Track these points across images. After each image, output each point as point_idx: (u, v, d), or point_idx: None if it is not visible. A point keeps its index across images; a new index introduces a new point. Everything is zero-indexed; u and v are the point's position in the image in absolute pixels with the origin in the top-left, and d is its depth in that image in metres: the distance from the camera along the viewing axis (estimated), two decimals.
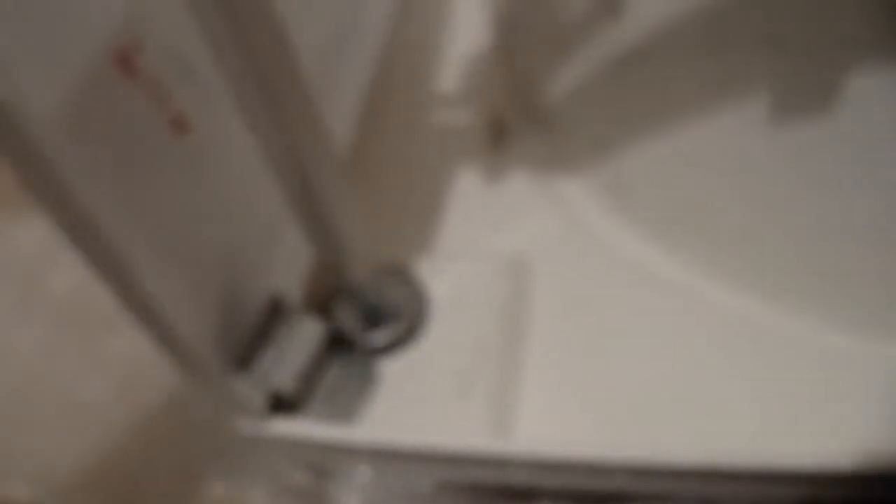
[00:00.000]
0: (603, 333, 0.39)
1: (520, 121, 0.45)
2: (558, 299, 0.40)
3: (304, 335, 0.36)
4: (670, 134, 0.40)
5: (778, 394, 0.36)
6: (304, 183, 0.32)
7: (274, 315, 0.36)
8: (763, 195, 0.39)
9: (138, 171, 0.27)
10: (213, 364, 0.33)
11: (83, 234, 0.25)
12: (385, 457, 0.37)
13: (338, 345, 0.39)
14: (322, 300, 0.40)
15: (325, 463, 0.39)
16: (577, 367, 0.38)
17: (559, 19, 0.43)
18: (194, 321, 0.31)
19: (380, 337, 0.39)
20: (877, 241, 0.37)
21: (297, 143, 0.30)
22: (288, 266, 0.39)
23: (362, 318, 0.40)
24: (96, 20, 0.24)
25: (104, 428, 0.45)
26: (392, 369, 0.39)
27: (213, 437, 0.38)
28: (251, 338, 0.35)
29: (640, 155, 0.41)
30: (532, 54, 0.45)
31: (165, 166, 0.28)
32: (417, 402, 0.38)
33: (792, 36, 0.37)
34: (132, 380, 0.37)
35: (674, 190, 0.41)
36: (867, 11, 0.36)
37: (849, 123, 0.36)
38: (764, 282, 0.39)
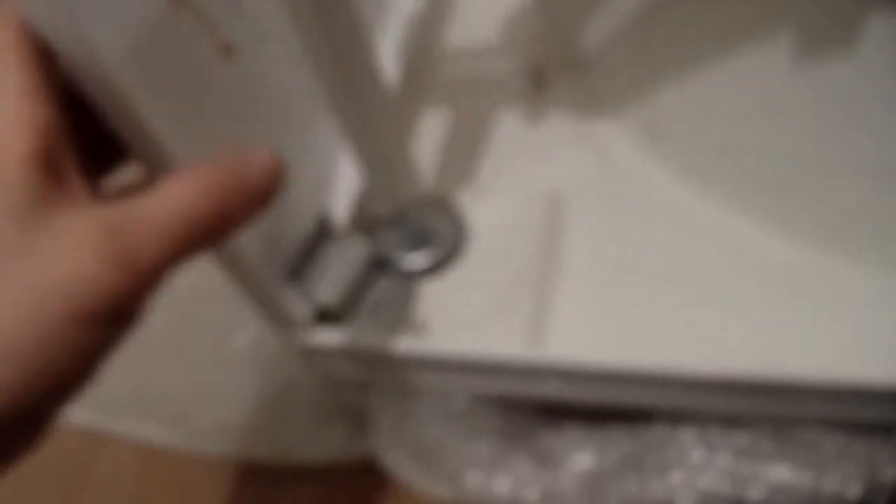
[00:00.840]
0: (632, 263, 0.41)
1: (559, 67, 0.47)
2: (592, 231, 0.42)
3: (350, 254, 0.39)
4: (699, 76, 0.42)
5: (793, 319, 0.37)
6: (357, 112, 0.34)
7: (322, 234, 0.39)
8: (786, 135, 0.40)
9: (194, 91, 0.29)
10: (265, 276, 0.35)
11: (149, 153, 0.26)
12: (422, 367, 0.39)
13: (381, 266, 0.41)
14: (368, 224, 0.42)
15: (364, 377, 0.41)
16: (607, 292, 0.40)
17: None
18: (247, 236, 0.32)
19: (420, 259, 0.42)
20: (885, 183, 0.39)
21: (350, 73, 0.32)
22: (337, 188, 0.41)
23: (405, 241, 0.42)
24: None
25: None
26: (431, 290, 0.41)
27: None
28: (301, 254, 0.38)
29: (672, 97, 0.43)
30: (568, 3, 0.47)
31: (217, 88, 0.30)
32: (453, 319, 0.40)
33: None
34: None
35: (702, 130, 0.43)
36: None
37: (869, 63, 0.38)
38: (785, 219, 0.40)
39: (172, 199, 0.23)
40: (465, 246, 0.42)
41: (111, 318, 0.22)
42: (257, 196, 0.25)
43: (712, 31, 0.41)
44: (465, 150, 0.45)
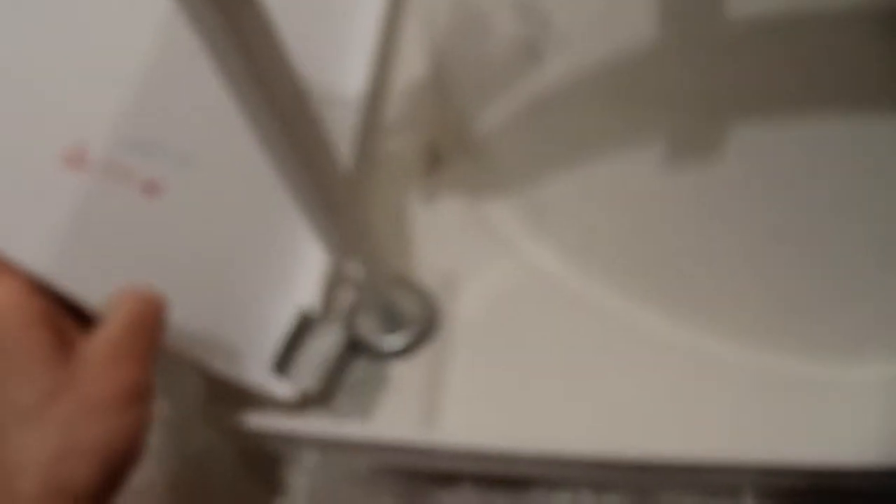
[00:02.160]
0: (521, 345, 0.45)
1: (452, 149, 0.51)
2: (485, 315, 0.46)
3: (329, 342, 0.43)
4: (582, 169, 0.47)
5: (667, 399, 0.42)
6: (322, 198, 0.36)
7: (303, 325, 0.43)
8: (656, 226, 0.46)
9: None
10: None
11: None
12: (329, 445, 0.44)
13: (357, 347, 0.45)
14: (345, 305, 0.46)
15: (278, 449, 0.45)
16: (498, 375, 0.44)
17: (486, 59, 0.49)
18: None
19: (391, 341, 0.45)
20: (753, 270, 0.44)
21: (312, 163, 0.34)
22: (312, 280, 0.45)
23: (380, 324, 0.45)
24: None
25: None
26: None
27: None
28: (286, 347, 0.42)
29: (557, 185, 0.47)
30: (463, 90, 0.51)
31: (151, 223, 0.35)
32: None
33: (682, 94, 0.44)
34: None
35: (584, 217, 0.47)
36: (748, 73, 0.43)
37: (729, 170, 0.43)
38: (663, 298, 0.45)
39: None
40: (437, 327, 0.46)
41: None
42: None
43: (590, 132, 0.46)
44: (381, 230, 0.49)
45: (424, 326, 0.45)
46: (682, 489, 0.43)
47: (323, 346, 0.43)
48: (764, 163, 0.43)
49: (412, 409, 0.43)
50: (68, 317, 0.34)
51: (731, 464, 0.40)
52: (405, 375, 0.44)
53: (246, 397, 0.42)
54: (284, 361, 0.42)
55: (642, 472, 0.41)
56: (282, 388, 0.42)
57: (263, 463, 0.47)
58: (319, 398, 0.43)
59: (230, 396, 0.42)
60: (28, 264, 0.33)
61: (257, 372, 0.41)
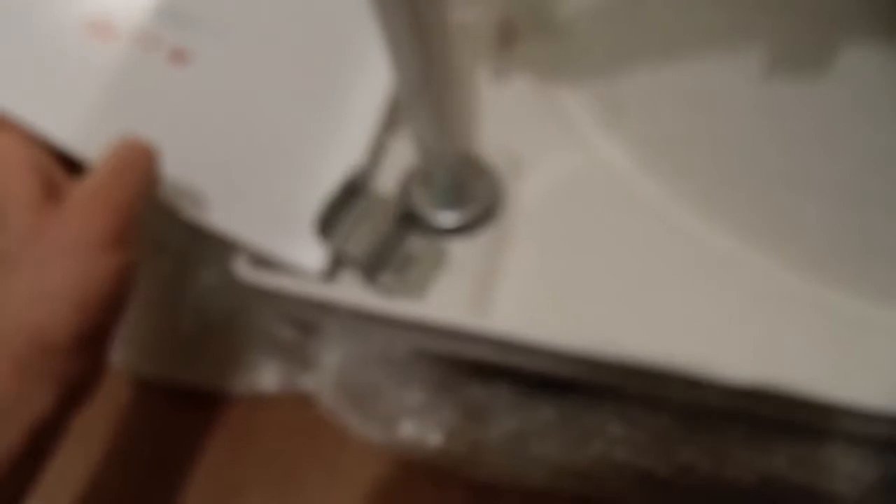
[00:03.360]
0: (581, 240, 0.42)
1: (530, 26, 0.47)
2: (545, 204, 0.43)
3: (378, 211, 0.40)
4: (669, 67, 0.43)
5: (729, 321, 0.40)
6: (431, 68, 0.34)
7: (353, 190, 0.40)
8: (739, 141, 0.43)
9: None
10: None
11: None
12: (366, 319, 0.41)
13: (412, 223, 0.42)
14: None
15: (309, 319, 0.42)
16: (555, 265, 0.42)
17: None
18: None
19: (450, 218, 0.42)
20: (842, 203, 0.42)
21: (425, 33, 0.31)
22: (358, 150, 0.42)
23: (436, 198, 0.42)
24: None
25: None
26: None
27: None
28: (332, 209, 0.39)
29: (639, 80, 0.44)
30: None
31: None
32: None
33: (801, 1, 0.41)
34: None
35: (663, 119, 0.44)
36: None
37: (830, 90, 0.40)
38: (728, 215, 0.43)
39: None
40: (500, 209, 0.42)
41: None
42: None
43: (693, 24, 0.42)
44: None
45: (487, 206, 0.42)
46: (732, 421, 0.41)
47: (375, 213, 0.40)
48: (873, 88, 0.40)
49: (464, 291, 0.40)
50: (61, 168, 0.34)
51: (804, 397, 0.37)
52: (460, 255, 0.41)
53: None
54: (328, 225, 0.39)
55: (697, 390, 0.39)
56: (313, 259, 0.39)
57: (287, 338, 0.44)
58: (368, 269, 0.39)
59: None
60: (45, 130, 0.35)
61: (290, 243, 0.39)
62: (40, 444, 0.30)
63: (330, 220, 0.39)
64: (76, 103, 0.37)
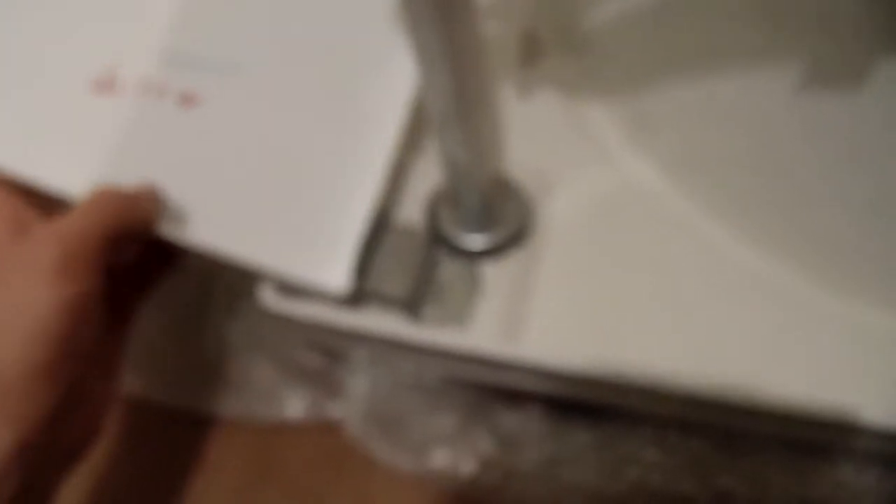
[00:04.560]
0: (610, 261, 0.41)
1: (554, 40, 0.46)
2: (576, 221, 0.42)
3: (408, 242, 0.40)
4: (701, 82, 0.42)
5: (763, 342, 0.39)
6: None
7: (381, 227, 0.40)
8: (774, 159, 0.41)
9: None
10: None
11: None
12: (394, 347, 0.40)
13: (440, 247, 0.41)
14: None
15: (336, 347, 0.41)
16: (587, 288, 0.40)
17: None
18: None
19: (479, 240, 0.41)
20: (871, 220, 0.41)
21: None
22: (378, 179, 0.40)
23: (464, 221, 0.41)
24: None
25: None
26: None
27: None
28: (364, 250, 0.39)
29: (668, 95, 0.43)
30: None
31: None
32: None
33: (839, 16, 0.39)
34: None
35: (693, 135, 0.43)
36: None
37: (865, 107, 0.39)
38: (764, 235, 0.41)
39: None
40: (530, 230, 0.41)
41: None
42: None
43: (724, 40, 0.41)
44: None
45: (518, 228, 0.41)
46: (771, 446, 0.40)
47: (404, 246, 0.39)
48: None
49: (495, 316, 0.39)
50: (32, 208, 0.33)
51: (834, 419, 0.37)
52: (491, 279, 0.40)
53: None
54: (364, 265, 0.38)
55: (734, 415, 0.38)
56: (337, 279, 0.38)
57: (313, 365, 0.43)
58: (410, 307, 0.39)
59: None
60: (55, 187, 0.36)
61: (312, 265, 0.38)
62: None
63: (362, 262, 0.38)
64: (85, 159, 0.37)
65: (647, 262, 0.41)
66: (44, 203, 0.34)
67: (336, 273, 0.38)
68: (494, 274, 0.40)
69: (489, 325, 0.39)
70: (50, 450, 0.30)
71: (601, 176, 0.43)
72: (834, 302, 0.39)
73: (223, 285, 0.45)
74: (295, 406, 0.44)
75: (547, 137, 0.44)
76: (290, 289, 0.38)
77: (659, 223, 0.42)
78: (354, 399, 0.41)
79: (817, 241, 0.41)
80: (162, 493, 0.44)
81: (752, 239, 0.41)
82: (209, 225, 0.37)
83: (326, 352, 0.42)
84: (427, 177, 0.42)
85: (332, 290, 0.37)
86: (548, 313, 0.39)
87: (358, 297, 0.38)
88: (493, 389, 0.42)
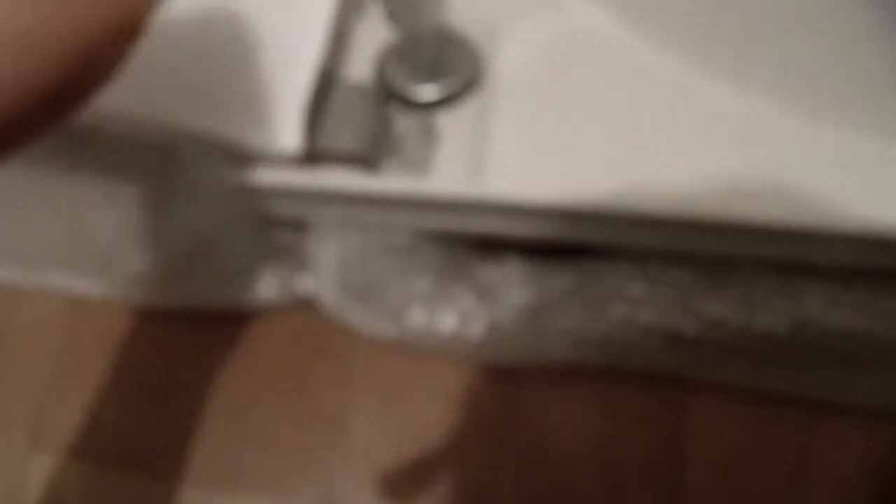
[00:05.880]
0: (573, 100, 0.40)
1: None
2: (532, 65, 0.41)
3: (358, 98, 0.38)
4: None
5: (726, 167, 0.38)
6: None
7: (326, 84, 0.38)
8: None
9: None
10: None
11: None
12: (369, 204, 0.39)
13: (393, 102, 0.40)
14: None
15: (303, 215, 0.40)
16: (547, 129, 0.39)
17: None
18: None
19: (432, 91, 0.40)
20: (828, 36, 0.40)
21: None
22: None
23: (415, 73, 0.40)
24: None
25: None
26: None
27: None
28: (313, 109, 0.37)
29: None
30: None
31: None
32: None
33: None
34: None
35: None
36: None
37: None
38: (718, 64, 0.40)
39: None
40: (481, 78, 0.40)
41: None
42: None
43: None
44: None
45: (469, 77, 0.40)
46: (755, 266, 0.39)
47: (356, 102, 0.38)
48: None
49: (458, 162, 0.38)
50: None
51: (808, 229, 0.35)
52: (448, 128, 0.39)
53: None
54: (311, 127, 0.37)
55: (710, 236, 0.37)
56: (288, 140, 0.36)
57: (281, 242, 0.42)
58: (366, 161, 0.37)
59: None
60: None
61: (260, 129, 0.36)
62: None
63: (312, 122, 0.37)
64: None
65: (599, 100, 0.40)
66: None
67: (286, 133, 0.37)
68: (450, 122, 0.39)
69: (451, 169, 0.38)
70: None
71: (549, 21, 0.42)
72: (796, 122, 0.39)
73: (180, 177, 0.44)
74: (267, 287, 0.42)
75: None
76: (241, 158, 0.37)
77: (609, 62, 0.41)
78: (326, 271, 0.40)
79: (773, 65, 0.40)
80: (142, 393, 0.43)
81: (704, 67, 0.40)
82: (153, 98, 0.36)
83: (290, 225, 0.41)
84: (376, 36, 0.41)
85: (284, 150, 0.36)
86: (507, 154, 0.38)
87: (312, 156, 0.37)
88: (466, 243, 0.40)
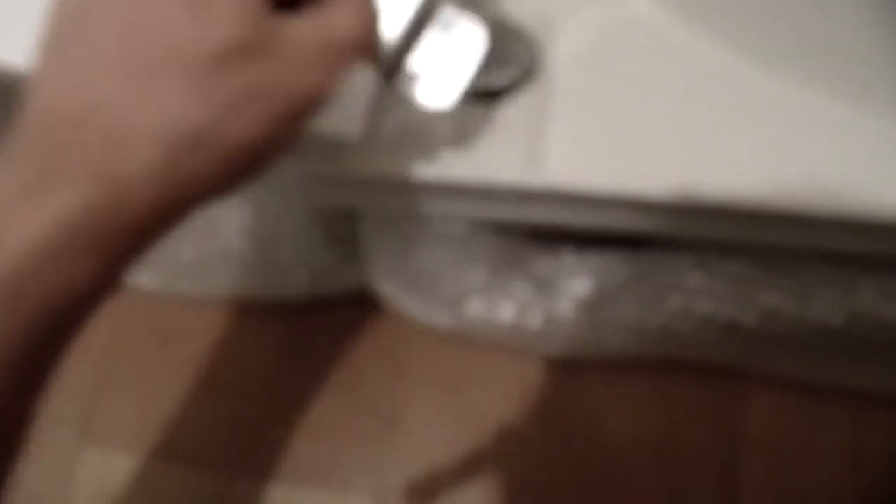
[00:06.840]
0: (626, 91, 0.40)
1: None
2: (585, 58, 0.41)
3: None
4: None
5: (782, 151, 0.37)
6: None
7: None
8: None
9: None
10: None
11: None
12: (425, 192, 0.38)
13: None
14: None
15: (358, 205, 0.40)
16: (598, 115, 0.39)
17: None
18: None
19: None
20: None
21: None
22: None
23: None
24: None
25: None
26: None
27: None
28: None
29: None
30: None
31: None
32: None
33: None
34: None
35: None
36: None
37: None
38: (767, 52, 0.40)
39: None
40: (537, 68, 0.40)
41: None
42: None
43: None
44: None
45: (525, 67, 0.40)
46: (810, 258, 0.39)
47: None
48: None
49: (516, 151, 0.38)
50: None
51: (862, 220, 0.35)
52: (505, 118, 0.39)
53: None
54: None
55: (768, 226, 0.37)
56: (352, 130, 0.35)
57: (338, 232, 0.42)
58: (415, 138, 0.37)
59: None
60: None
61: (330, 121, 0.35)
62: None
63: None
64: None
65: (653, 88, 0.39)
66: None
67: (348, 120, 0.36)
68: (508, 112, 0.39)
69: (509, 158, 0.38)
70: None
71: (603, 11, 0.42)
72: (846, 111, 0.38)
73: None
74: (323, 278, 0.42)
75: None
76: (302, 146, 0.37)
77: (662, 51, 0.40)
78: (382, 261, 0.40)
79: (821, 52, 0.40)
80: (196, 383, 0.42)
81: (755, 56, 0.40)
82: None
83: (346, 216, 0.41)
84: None
85: (345, 137, 0.36)
86: (565, 143, 0.38)
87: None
88: (522, 233, 0.40)
